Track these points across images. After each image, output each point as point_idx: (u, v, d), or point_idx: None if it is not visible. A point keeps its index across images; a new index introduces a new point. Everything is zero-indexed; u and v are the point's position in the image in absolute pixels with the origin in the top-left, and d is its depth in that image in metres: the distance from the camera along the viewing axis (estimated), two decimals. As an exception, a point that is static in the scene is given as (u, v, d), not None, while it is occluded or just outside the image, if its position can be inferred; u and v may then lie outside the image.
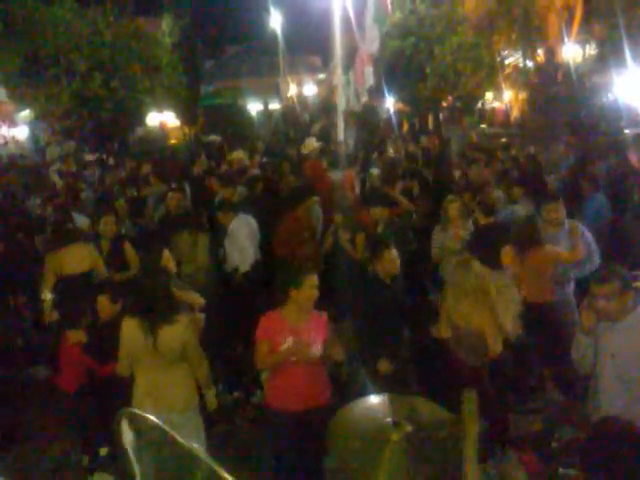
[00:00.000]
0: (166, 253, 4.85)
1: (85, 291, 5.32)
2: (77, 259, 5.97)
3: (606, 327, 3.56)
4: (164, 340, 3.90)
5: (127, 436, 1.37)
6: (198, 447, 1.40)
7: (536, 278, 5.47)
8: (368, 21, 11.98)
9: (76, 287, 5.38)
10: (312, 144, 11.98)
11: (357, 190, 8.97)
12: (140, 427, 1.38)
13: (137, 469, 1.33)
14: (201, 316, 4.77)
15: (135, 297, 4.30)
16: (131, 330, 4.00)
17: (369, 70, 12.50)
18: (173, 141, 21.38)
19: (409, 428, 2.79)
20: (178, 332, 3.91)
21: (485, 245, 5.62)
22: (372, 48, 11.88)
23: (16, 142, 19.26)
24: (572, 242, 5.44)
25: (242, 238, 6.82)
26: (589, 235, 5.66)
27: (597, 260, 5.55)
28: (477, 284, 4.53)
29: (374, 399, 3.11)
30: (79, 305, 4.90)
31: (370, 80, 12.53)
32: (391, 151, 12.20)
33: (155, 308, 3.97)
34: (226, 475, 1.32)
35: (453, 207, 6.30)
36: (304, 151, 12.00)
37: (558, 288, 5.58)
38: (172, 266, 4.82)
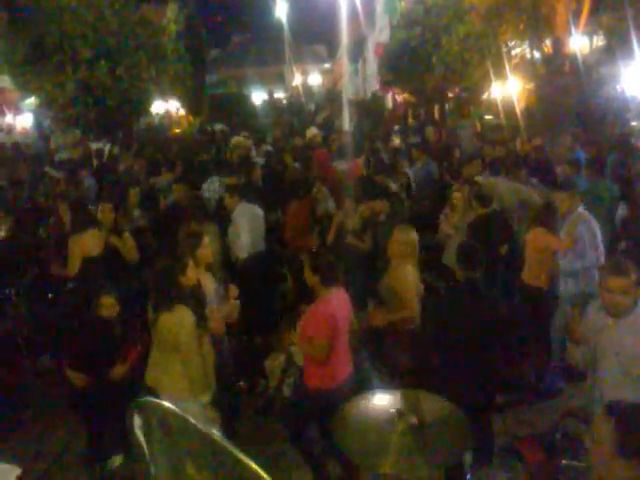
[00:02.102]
0: (205, 240, 4.73)
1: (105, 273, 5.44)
2: (95, 243, 6.04)
3: (609, 325, 3.51)
4: (159, 326, 4.00)
5: (138, 425, 1.37)
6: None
7: (532, 260, 5.46)
8: (378, 10, 11.89)
9: (97, 268, 5.58)
10: (311, 132, 11.93)
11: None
12: (154, 415, 1.37)
13: (149, 457, 1.33)
14: (236, 303, 4.77)
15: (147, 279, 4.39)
16: (149, 309, 4.15)
17: (372, 59, 12.46)
18: (177, 130, 21.33)
19: (413, 419, 2.85)
20: (171, 324, 3.96)
21: (479, 233, 5.72)
22: (382, 37, 11.79)
23: (20, 130, 19.23)
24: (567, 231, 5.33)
25: (240, 226, 6.76)
26: (595, 229, 5.45)
27: (592, 258, 5.34)
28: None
29: (378, 394, 3.18)
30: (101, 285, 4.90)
31: (374, 69, 12.48)
32: (397, 142, 12.13)
33: (158, 294, 4.06)
34: (250, 462, 1.30)
35: (456, 196, 6.56)
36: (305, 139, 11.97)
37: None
38: (208, 253, 4.72)
